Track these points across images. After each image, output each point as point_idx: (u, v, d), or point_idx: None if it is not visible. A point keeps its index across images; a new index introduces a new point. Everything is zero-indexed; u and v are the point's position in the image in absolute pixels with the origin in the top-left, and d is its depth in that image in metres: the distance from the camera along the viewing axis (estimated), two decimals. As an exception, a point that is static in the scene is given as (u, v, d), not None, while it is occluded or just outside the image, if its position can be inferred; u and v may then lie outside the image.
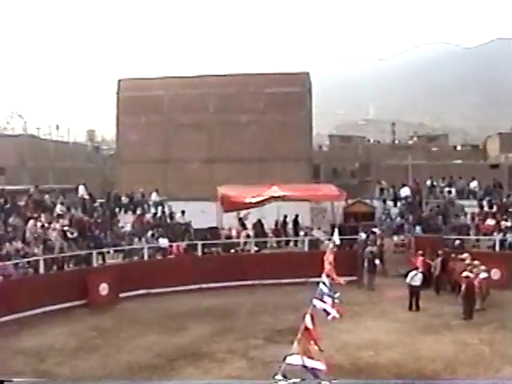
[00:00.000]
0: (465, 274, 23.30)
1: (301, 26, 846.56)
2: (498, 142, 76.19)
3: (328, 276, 17.41)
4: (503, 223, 31.29)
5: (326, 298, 15.96)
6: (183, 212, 33.71)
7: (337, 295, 16.96)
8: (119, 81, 58.58)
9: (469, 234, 32.05)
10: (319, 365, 10.84)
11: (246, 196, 30.31)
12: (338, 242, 23.18)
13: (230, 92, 55.94)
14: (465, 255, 26.24)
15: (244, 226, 33.66)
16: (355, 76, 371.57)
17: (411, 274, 24.77)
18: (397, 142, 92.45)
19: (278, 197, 30.92)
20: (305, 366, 10.65)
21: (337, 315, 15.39)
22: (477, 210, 34.28)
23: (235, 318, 23.11)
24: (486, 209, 34.06)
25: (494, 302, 23.95)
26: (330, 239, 24.28)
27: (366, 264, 29.48)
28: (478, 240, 31.67)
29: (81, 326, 22.30)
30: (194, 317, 23.38)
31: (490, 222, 31.86)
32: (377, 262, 29.54)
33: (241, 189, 32.75)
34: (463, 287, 22.88)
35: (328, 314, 15.22)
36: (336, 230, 24.17)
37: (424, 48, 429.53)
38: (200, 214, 33.72)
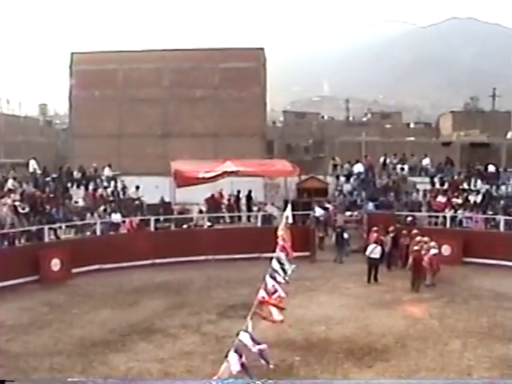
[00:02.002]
0: (415, 247, 23.72)
1: (257, 1, 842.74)
2: (450, 120, 77.29)
3: (282, 251, 17.54)
4: (454, 200, 31.69)
5: (277, 276, 16.13)
6: (137, 187, 33.47)
7: (293, 266, 17.12)
8: (72, 54, 57.80)
9: (421, 211, 32.42)
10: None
11: (199, 171, 30.17)
12: (290, 219, 23.36)
13: (185, 67, 55.69)
14: (416, 231, 26.55)
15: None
16: (311, 53, 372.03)
17: (370, 247, 25.33)
18: (351, 118, 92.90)
19: (232, 172, 30.88)
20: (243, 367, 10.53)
21: (283, 295, 15.50)
22: (429, 186, 34.64)
23: (188, 293, 23.17)
24: (437, 186, 34.41)
25: (444, 278, 24.37)
26: (283, 215, 24.41)
27: (333, 238, 30.20)
28: (437, 217, 31.93)
29: (33, 301, 22.09)
30: (147, 292, 23.35)
31: (442, 199, 32.21)
32: (345, 235, 29.79)
33: (194, 164, 32.61)
34: (410, 260, 23.36)
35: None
36: (289, 206, 24.31)
37: (380, 26, 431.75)
38: (153, 189, 33.54)
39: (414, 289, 23.02)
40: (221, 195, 34.54)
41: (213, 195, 33.92)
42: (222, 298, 22.23)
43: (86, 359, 16.02)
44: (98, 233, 29.21)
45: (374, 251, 24.98)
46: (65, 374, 14.98)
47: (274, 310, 14.32)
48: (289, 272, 17.14)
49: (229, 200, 34.75)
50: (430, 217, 32.11)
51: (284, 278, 16.62)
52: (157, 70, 56.02)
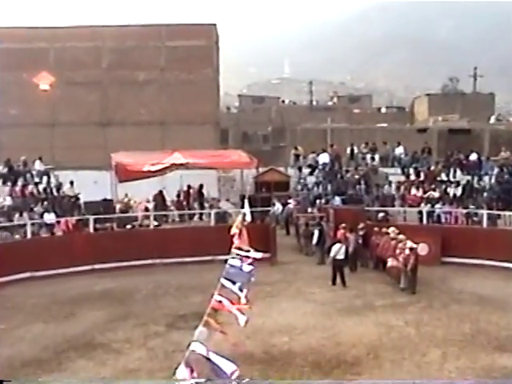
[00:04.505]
0: (409, 244, 23.86)
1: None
2: (426, 103, 77.99)
3: (239, 250, 17.41)
4: (431, 193, 31.85)
5: (236, 278, 15.99)
6: (71, 183, 33.23)
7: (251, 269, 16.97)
8: (-4, 30, 57.04)
9: (393, 206, 32.58)
10: (225, 364, 10.79)
11: (144, 164, 30.02)
12: (249, 217, 23.27)
13: (127, 45, 55.38)
14: (391, 229, 26.61)
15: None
16: (270, 29, 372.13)
17: (335, 247, 25.17)
18: (315, 103, 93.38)
19: (181, 164, 30.79)
20: (208, 359, 10.52)
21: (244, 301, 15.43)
22: (402, 178, 34.78)
23: (133, 303, 22.99)
24: (412, 177, 34.54)
25: (421, 280, 24.29)
26: (239, 212, 24.37)
27: (316, 235, 30.11)
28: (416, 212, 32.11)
29: (-47, 316, 21.77)
30: (86, 302, 23.09)
31: (417, 192, 32.40)
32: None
33: (138, 156, 32.41)
34: (412, 259, 23.38)
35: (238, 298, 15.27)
36: (246, 202, 24.25)
37: (348, 1, 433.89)
38: (92, 185, 33.33)
39: (413, 289, 23.38)
40: (188, 189, 34.77)
41: (161, 191, 33.82)
42: (171, 307, 22.09)
43: (15, 382, 15.76)
44: (29, 236, 28.87)
45: (340, 252, 24.99)
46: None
47: (236, 312, 14.12)
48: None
49: (178, 196, 34.68)
50: (405, 212, 32.33)
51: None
52: (94, 49, 55.58)
